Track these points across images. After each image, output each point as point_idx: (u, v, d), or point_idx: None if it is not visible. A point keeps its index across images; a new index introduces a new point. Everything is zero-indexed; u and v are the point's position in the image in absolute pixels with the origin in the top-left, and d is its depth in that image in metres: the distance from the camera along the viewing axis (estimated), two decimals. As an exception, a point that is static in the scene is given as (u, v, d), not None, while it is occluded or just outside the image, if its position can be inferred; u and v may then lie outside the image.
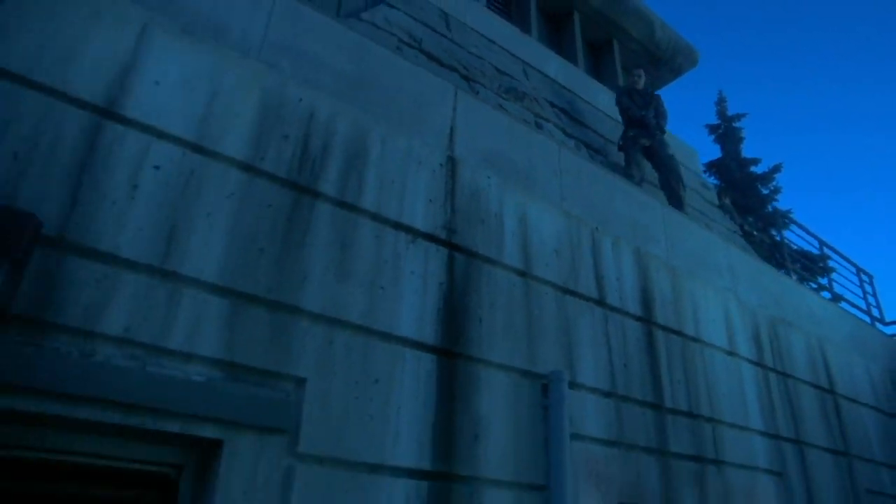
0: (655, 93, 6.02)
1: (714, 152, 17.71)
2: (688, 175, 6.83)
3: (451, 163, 3.09)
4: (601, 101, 6.26)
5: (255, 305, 2.24)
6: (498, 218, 3.20)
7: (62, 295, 1.92)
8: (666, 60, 7.90)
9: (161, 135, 2.27)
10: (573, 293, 3.34)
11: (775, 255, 7.12)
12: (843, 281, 7.92)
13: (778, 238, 7.62)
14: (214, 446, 2.06)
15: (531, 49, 5.76)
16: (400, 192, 2.80)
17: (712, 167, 17.64)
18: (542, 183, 3.61)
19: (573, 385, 3.07)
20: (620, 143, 5.63)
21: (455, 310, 2.79)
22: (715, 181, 16.90)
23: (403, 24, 4.50)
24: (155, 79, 2.34)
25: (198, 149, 2.33)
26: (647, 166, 5.70)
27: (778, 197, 16.96)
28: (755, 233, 7.55)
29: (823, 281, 7.90)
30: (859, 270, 7.97)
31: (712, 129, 18.78)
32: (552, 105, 5.45)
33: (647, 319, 3.73)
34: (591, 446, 3.07)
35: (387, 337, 2.52)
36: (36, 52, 2.11)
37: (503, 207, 3.26)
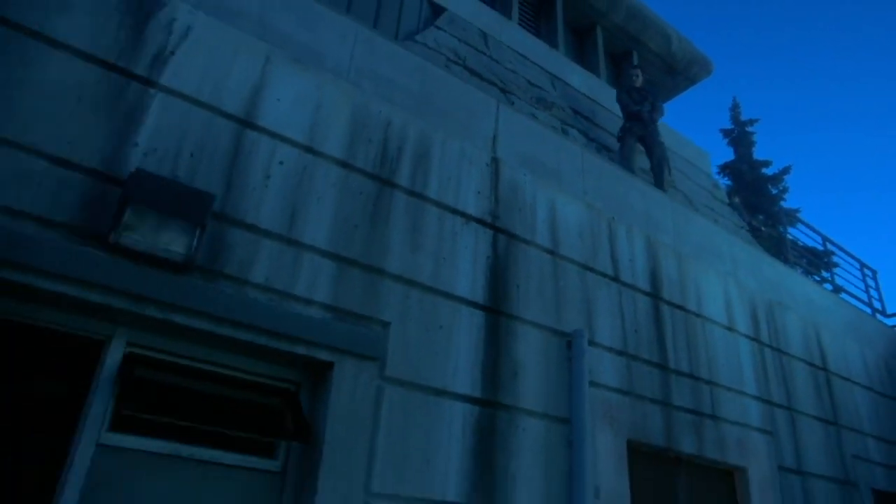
0: (651, 90, 6.74)
1: (728, 155, 18.64)
2: (699, 176, 7.50)
3: (495, 163, 3.84)
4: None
5: (353, 267, 3.00)
6: (532, 207, 3.93)
7: (224, 253, 2.69)
8: (682, 70, 8.56)
9: (283, 139, 3.05)
10: (592, 270, 4.06)
11: (781, 249, 7.72)
12: (847, 276, 8.51)
13: (783, 234, 8.22)
14: (327, 367, 2.82)
15: (558, 63, 6.47)
16: (456, 185, 3.55)
17: (726, 169, 18.43)
18: (568, 180, 4.33)
19: (592, 343, 3.79)
20: (619, 134, 6.28)
21: (498, 277, 3.53)
22: (729, 181, 17.68)
23: (450, 45, 5.25)
24: (277, 97, 3.11)
25: (309, 150, 3.10)
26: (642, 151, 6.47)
27: (786, 196, 17.71)
28: (762, 228, 8.17)
29: (828, 275, 8.46)
30: (862, 265, 8.55)
31: (726, 133, 19.68)
32: (576, 112, 6.16)
33: (655, 295, 4.42)
34: (606, 393, 3.79)
35: (448, 295, 3.27)
36: (200, 79, 2.90)
37: (536, 199, 3.99)
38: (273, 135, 3.02)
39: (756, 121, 19.71)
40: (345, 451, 2.73)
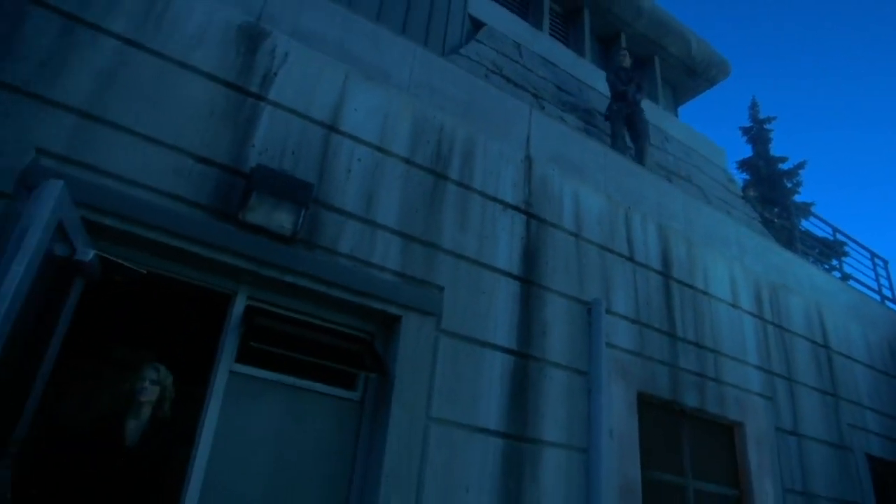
0: (637, 72, 7.16)
1: (748, 151, 19.34)
2: (715, 170, 8.13)
3: (528, 160, 4.58)
4: (641, 109, 7.60)
5: (415, 242, 3.78)
6: (559, 197, 4.67)
7: (319, 229, 3.49)
8: (701, 72, 9.17)
9: (360, 141, 3.84)
10: (610, 251, 4.78)
11: (793, 240, 8.29)
12: (857, 265, 9.05)
13: (796, 225, 8.80)
14: (396, 320, 3.61)
15: (585, 69, 7.16)
16: (496, 178, 4.31)
17: (744, 165, 19.07)
18: (590, 174, 5.06)
19: (609, 311, 4.52)
20: (606, 114, 6.71)
21: (530, 254, 4.28)
22: (747, 176, 18.36)
23: (489, 56, 6.00)
24: (354, 107, 3.91)
25: (380, 150, 3.89)
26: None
27: (800, 190, 18.28)
28: (774, 220, 8.75)
29: (837, 263, 9.02)
30: (873, 255, 9.09)
31: (745, 130, 20.41)
32: (601, 114, 6.85)
33: (665, 274, 5.13)
34: (620, 353, 4.51)
35: (490, 267, 4.03)
36: (296, 94, 3.70)
37: (563, 190, 4.73)
38: (352, 137, 3.81)
39: (773, 119, 20.43)
40: (410, 385, 3.51)
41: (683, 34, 8.84)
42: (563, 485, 3.83)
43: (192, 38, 3.51)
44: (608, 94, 7.10)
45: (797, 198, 17.90)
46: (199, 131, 3.34)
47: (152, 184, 3.13)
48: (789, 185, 18.34)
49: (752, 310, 5.82)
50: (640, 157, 6.59)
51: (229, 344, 3.25)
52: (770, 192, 16.04)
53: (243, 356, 3.27)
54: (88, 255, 2.83)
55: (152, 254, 3.15)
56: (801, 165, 18.92)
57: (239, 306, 3.34)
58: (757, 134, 19.80)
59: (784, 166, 19.04)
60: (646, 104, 7.90)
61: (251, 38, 3.71)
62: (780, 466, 5.36)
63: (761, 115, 20.26)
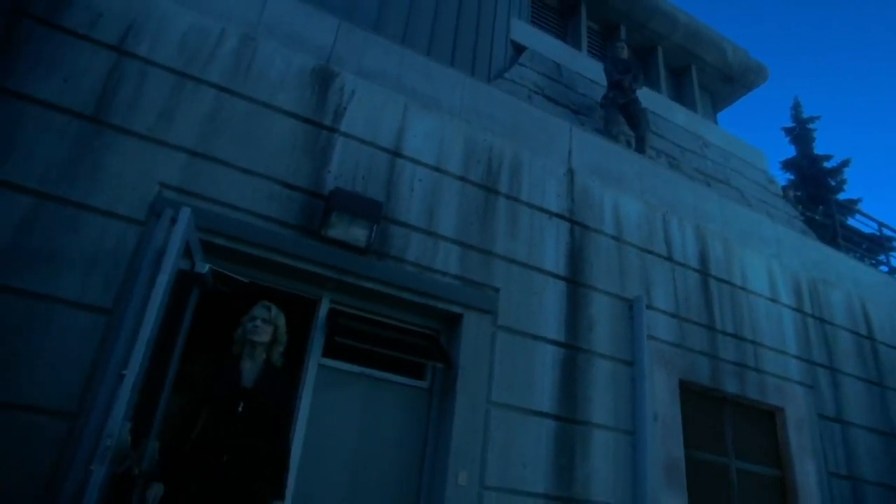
0: (636, 63, 7.20)
1: (793, 151, 19.32)
2: (755, 172, 8.40)
3: (570, 173, 5.06)
4: (679, 118, 7.96)
5: (472, 250, 4.30)
6: (600, 205, 5.12)
7: (388, 241, 4.04)
8: (738, 78, 9.44)
9: (420, 163, 4.38)
10: (650, 251, 5.19)
11: (836, 237, 8.46)
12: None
13: (841, 222, 8.95)
14: (458, 318, 4.12)
15: (621, 83, 7.57)
16: (541, 191, 4.80)
17: (788, 165, 19.08)
18: (628, 183, 5.49)
19: (649, 307, 4.93)
20: (602, 102, 6.84)
21: (575, 257, 4.74)
22: (791, 176, 18.39)
23: (531, 78, 6.51)
24: (414, 134, 4.46)
25: (437, 170, 4.42)
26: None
27: (845, 188, 18.16)
28: (816, 217, 8.91)
29: (884, 258, 9.10)
30: (922, 249, 9.14)
31: (788, 131, 20.48)
32: (596, 102, 7.20)
33: (703, 272, 5.49)
34: (661, 345, 4.90)
35: (539, 270, 4.51)
36: (363, 125, 4.28)
37: (603, 199, 5.17)
38: (413, 160, 4.36)
39: (817, 118, 20.50)
40: (472, 374, 4.01)
41: (719, 43, 9.15)
42: (611, 462, 4.25)
43: (275, 83, 4.13)
44: (645, 105, 7.50)
45: (842, 196, 17.83)
46: (284, 162, 3.94)
47: (250, 208, 3.73)
48: (833, 183, 18.26)
49: (791, 303, 6.09)
50: (640, 146, 6.61)
51: (317, 341, 3.82)
52: (814, 191, 16.03)
53: (329, 351, 3.83)
54: (204, 268, 3.44)
55: (252, 266, 3.75)
56: (845, 163, 18.85)
57: (324, 309, 3.91)
58: (800, 134, 19.80)
59: (828, 164, 19.00)
60: (685, 112, 8.26)
61: (323, 79, 4.31)
62: (824, 451, 5.59)
63: (804, 115, 20.29)
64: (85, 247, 3.20)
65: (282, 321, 3.48)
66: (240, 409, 3.08)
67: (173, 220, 3.13)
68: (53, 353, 2.93)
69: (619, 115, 6.79)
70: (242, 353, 3.35)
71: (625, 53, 7.20)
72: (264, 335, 3.35)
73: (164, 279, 2.88)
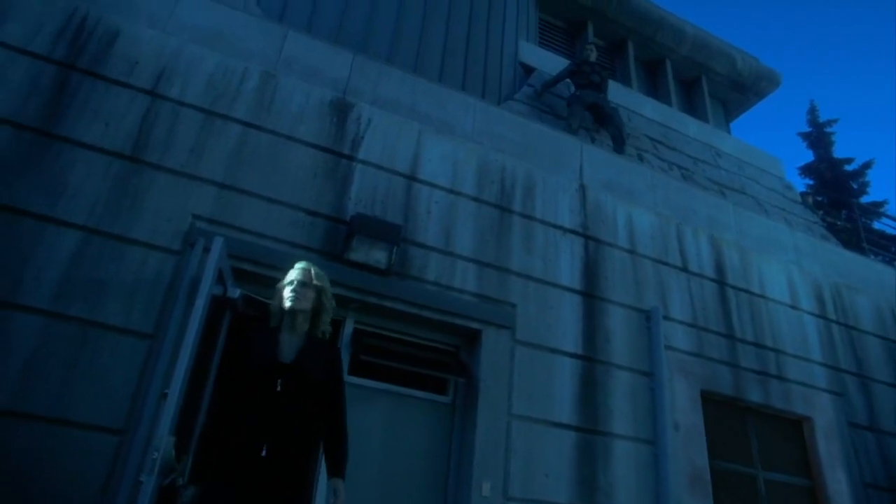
0: (603, 65, 7.02)
1: (810, 156, 19.23)
2: (771, 180, 8.44)
3: (582, 188, 5.21)
4: (690, 129, 8.07)
5: (488, 267, 4.46)
6: (613, 219, 5.26)
7: (408, 262, 4.23)
8: (750, 86, 9.53)
9: (436, 186, 4.58)
10: (665, 263, 5.30)
11: (860, 241, 8.42)
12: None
13: (866, 225, 8.92)
14: (477, 334, 4.28)
15: (632, 98, 7.72)
16: (554, 207, 4.96)
17: (806, 170, 18.93)
18: (640, 195, 5.62)
19: (666, 317, 5.03)
20: (568, 100, 6.70)
21: (591, 271, 4.88)
22: (810, 182, 18.25)
23: (541, 98, 6.71)
24: (429, 158, 4.66)
25: (452, 191, 4.62)
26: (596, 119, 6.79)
27: (868, 190, 17.95)
28: (837, 223, 8.88)
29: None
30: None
31: (805, 136, 20.33)
32: (650, 139, 7.38)
33: (720, 281, 5.58)
34: (680, 355, 4.99)
35: (555, 285, 4.66)
36: (380, 152, 4.49)
37: (616, 212, 5.31)
38: (429, 184, 4.56)
39: (835, 121, 20.50)
40: (493, 388, 4.16)
41: (728, 52, 9.26)
42: (633, 472, 4.34)
43: (296, 116, 4.37)
44: (656, 119, 7.63)
45: (866, 199, 17.59)
46: (307, 190, 4.17)
47: (276, 235, 3.96)
48: (855, 186, 18.05)
49: (814, 310, 6.12)
50: (617, 146, 6.54)
51: (343, 359, 4.00)
52: (836, 196, 15.88)
53: (354, 369, 4.01)
54: (236, 293, 3.65)
55: (280, 291, 3.95)
56: (868, 165, 18.64)
57: (348, 328, 4.10)
58: (817, 138, 19.65)
59: (849, 168, 18.80)
60: (696, 124, 8.37)
61: (340, 110, 4.55)
62: (858, 460, 5.55)
63: (821, 119, 20.15)
64: (127, 276, 3.45)
65: (326, 284, 2.98)
66: (278, 387, 2.60)
67: (206, 249, 3.35)
68: (103, 375, 3.17)
69: (584, 112, 6.72)
70: (281, 324, 2.87)
71: (593, 56, 7.14)
72: (304, 301, 2.85)
73: (200, 304, 3.10)
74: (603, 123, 6.80)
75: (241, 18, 4.69)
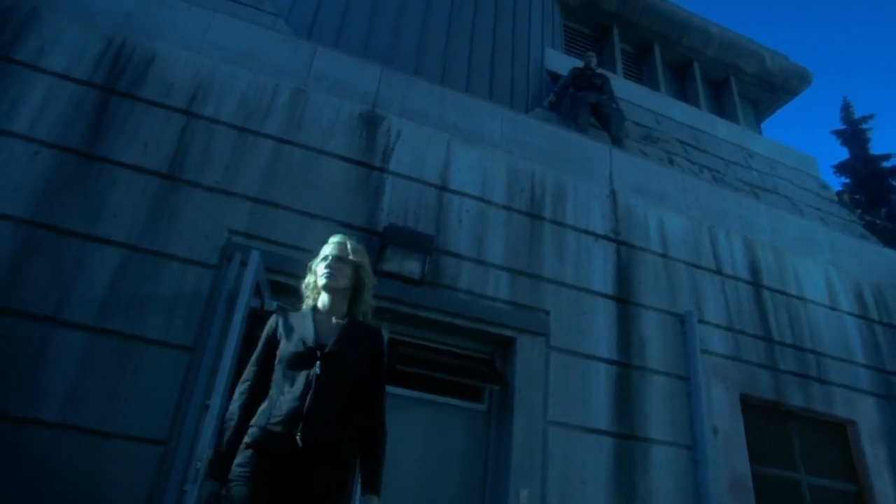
0: (603, 73, 7.05)
1: (845, 154, 18.68)
2: (806, 179, 8.30)
3: (613, 194, 5.19)
4: (720, 131, 7.97)
5: (521, 275, 4.47)
6: (644, 223, 5.22)
7: (441, 271, 4.26)
8: (780, 85, 9.39)
9: (466, 195, 4.61)
10: (698, 266, 5.24)
11: (899, 238, 8.22)
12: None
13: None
14: (511, 341, 4.28)
15: (660, 102, 7.67)
16: (586, 214, 4.95)
17: (842, 168, 18.48)
18: (671, 199, 5.57)
19: (701, 321, 4.97)
20: (572, 101, 6.68)
21: (623, 277, 4.85)
22: (846, 180, 17.79)
23: (568, 105, 6.72)
24: (458, 168, 4.70)
25: (483, 200, 4.64)
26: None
27: None
28: (877, 221, 8.67)
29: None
30: None
31: (839, 133, 19.81)
32: (680, 142, 7.32)
33: (755, 283, 5.49)
34: (717, 359, 4.92)
35: (588, 291, 4.64)
36: (410, 163, 4.54)
37: (647, 217, 5.27)
38: (460, 193, 4.59)
39: (871, 117, 19.84)
40: (528, 395, 4.15)
41: (756, 52, 9.15)
42: (672, 477, 4.29)
43: (327, 130, 4.45)
44: (685, 121, 7.57)
45: (902, 195, 17.20)
46: (339, 203, 4.23)
47: (311, 247, 4.00)
48: (895, 182, 17.56)
49: (855, 310, 5.98)
50: (617, 141, 6.49)
51: (379, 370, 4.03)
52: (875, 193, 15.47)
53: (391, 379, 4.03)
54: (273, 305, 3.72)
55: (315, 302, 4.01)
56: (905, 160, 18.22)
57: (384, 338, 4.13)
58: (852, 135, 19.19)
59: (887, 164, 18.31)
60: (726, 125, 8.27)
61: (370, 123, 4.61)
62: (907, 464, 5.40)
63: (856, 115, 19.65)
64: (167, 291, 3.54)
65: (365, 259, 2.66)
66: (314, 374, 2.31)
67: (243, 263, 3.43)
68: (145, 388, 3.25)
69: (588, 111, 6.73)
70: (316, 305, 2.57)
71: (594, 63, 7.19)
72: (341, 279, 2.54)
73: (239, 317, 3.17)
74: (602, 123, 6.84)
75: (271, 37, 4.80)
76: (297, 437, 2.18)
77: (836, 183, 18.05)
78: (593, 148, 5.48)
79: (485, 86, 6.18)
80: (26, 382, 3.12)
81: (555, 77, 7.13)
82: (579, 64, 7.07)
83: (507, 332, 4.27)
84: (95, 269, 3.45)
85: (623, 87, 7.40)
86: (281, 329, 2.47)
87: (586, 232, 4.91)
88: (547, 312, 4.44)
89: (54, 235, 3.44)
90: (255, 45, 4.67)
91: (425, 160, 4.63)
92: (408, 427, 3.99)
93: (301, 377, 2.31)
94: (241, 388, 2.38)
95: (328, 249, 2.61)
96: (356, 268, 2.58)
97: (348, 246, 2.61)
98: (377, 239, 4.18)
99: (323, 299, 2.55)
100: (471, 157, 4.79)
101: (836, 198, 8.37)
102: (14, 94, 3.69)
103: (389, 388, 4.01)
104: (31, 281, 3.31)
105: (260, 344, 2.47)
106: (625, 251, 5.00)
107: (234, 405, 2.34)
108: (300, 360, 2.34)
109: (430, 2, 6.35)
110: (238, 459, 2.20)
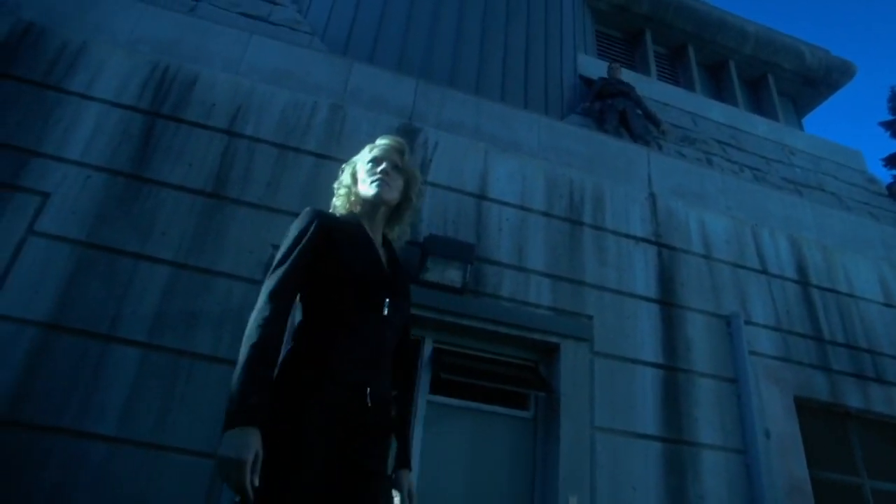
0: (629, 82, 7.21)
1: (893, 146, 18.00)
2: (852, 174, 8.08)
3: (652, 197, 5.14)
4: (760, 129, 7.83)
5: (562, 281, 4.45)
6: (685, 225, 5.15)
7: (483, 279, 4.27)
8: (821, 79, 9.17)
9: (505, 204, 4.61)
10: (742, 266, 5.14)
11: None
12: None
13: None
14: (555, 348, 4.26)
15: (697, 102, 7.58)
16: (625, 217, 4.90)
17: (892, 161, 17.82)
18: (711, 200, 5.49)
19: (748, 322, 4.86)
20: (600, 109, 6.79)
21: (666, 279, 4.78)
22: None
23: (602, 109, 6.69)
24: (497, 177, 4.71)
25: (523, 208, 4.64)
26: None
27: None
28: (929, 215, 8.37)
29: None
30: None
31: (887, 125, 19.03)
32: (718, 142, 7.21)
33: (803, 282, 5.36)
34: (767, 360, 4.81)
35: (630, 294, 4.59)
36: (448, 173, 4.57)
37: (688, 218, 5.20)
38: (499, 202, 4.60)
39: None
40: (574, 401, 4.12)
41: (794, 47, 8.97)
42: (724, 482, 4.19)
43: (364, 144, 4.50)
44: (722, 121, 7.45)
45: (955, 186, 16.48)
46: (379, 215, 4.27)
47: (353, 260, 4.07)
48: (948, 173, 16.96)
49: (909, 307, 5.79)
50: (638, 136, 6.68)
51: (424, 379, 4.06)
52: (930, 184, 14.96)
53: (436, 388, 4.05)
54: (318, 319, 3.78)
55: (359, 314, 4.06)
56: (961, 149, 17.51)
57: (428, 348, 4.16)
58: (900, 125, 18.58)
59: (942, 154, 17.67)
60: (766, 123, 8.12)
61: (408, 135, 4.66)
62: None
63: (904, 105, 18.99)
64: (214, 307, 3.63)
65: (417, 172, 2.25)
66: (385, 310, 1.88)
67: (290, 277, 3.49)
68: (196, 402, 3.33)
69: (616, 117, 6.82)
70: (360, 221, 2.09)
71: (619, 74, 7.32)
72: (394, 190, 2.11)
73: (286, 330, 3.23)
74: (627, 127, 6.89)
75: (308, 55, 4.90)
76: (368, 394, 1.76)
77: (887, 176, 17.45)
78: (631, 151, 5.44)
79: (519, 94, 6.19)
80: (84, 397, 3.23)
81: (588, 82, 7.11)
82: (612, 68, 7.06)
83: (551, 339, 4.24)
84: (146, 287, 3.56)
85: (658, 90, 7.34)
86: (335, 237, 1.92)
87: (627, 235, 4.86)
88: (590, 317, 4.40)
89: (107, 255, 3.57)
90: (293, 64, 4.77)
91: (463, 170, 4.66)
92: (453, 437, 3.99)
93: (371, 312, 1.86)
94: (278, 303, 1.79)
95: (379, 151, 2.16)
96: (408, 181, 2.17)
97: (405, 153, 2.18)
98: (417, 249, 4.22)
99: (365, 211, 2.10)
100: (508, 165, 4.80)
101: (885, 191, 8.12)
102: (67, 122, 3.85)
103: (435, 398, 4.03)
104: (86, 299, 3.43)
105: (301, 245, 1.90)
106: (666, 253, 4.94)
107: (275, 327, 1.75)
108: (371, 292, 1.87)
109: (463, 12, 6.40)
110: (309, 416, 1.68)
